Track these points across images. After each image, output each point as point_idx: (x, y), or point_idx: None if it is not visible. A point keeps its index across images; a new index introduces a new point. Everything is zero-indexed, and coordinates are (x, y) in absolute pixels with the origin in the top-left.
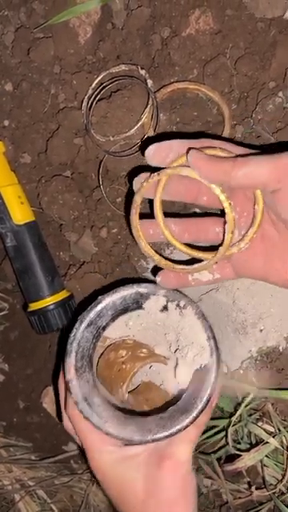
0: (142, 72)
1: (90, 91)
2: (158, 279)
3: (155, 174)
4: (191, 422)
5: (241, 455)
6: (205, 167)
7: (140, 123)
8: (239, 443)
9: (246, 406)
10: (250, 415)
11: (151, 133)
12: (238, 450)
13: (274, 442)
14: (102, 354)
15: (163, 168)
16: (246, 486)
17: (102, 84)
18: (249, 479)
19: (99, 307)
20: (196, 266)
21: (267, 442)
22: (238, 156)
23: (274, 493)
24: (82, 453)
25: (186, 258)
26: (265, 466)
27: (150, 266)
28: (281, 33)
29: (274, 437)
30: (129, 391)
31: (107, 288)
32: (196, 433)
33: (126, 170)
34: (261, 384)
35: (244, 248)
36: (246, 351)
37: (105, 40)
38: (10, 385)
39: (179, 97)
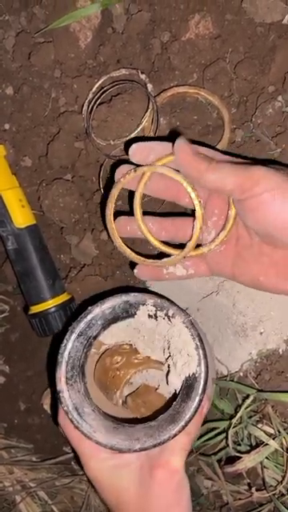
0: (142, 76)
1: (91, 95)
2: (135, 271)
3: (133, 168)
4: (179, 431)
5: (241, 457)
6: (184, 159)
7: (140, 127)
8: (239, 445)
9: (246, 408)
10: (250, 417)
11: (152, 135)
12: (239, 451)
13: (273, 444)
14: (98, 360)
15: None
16: (246, 487)
17: (102, 88)
18: (249, 480)
19: (89, 317)
20: (164, 260)
21: (267, 444)
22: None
23: (274, 494)
24: (77, 459)
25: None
26: (265, 467)
27: None
28: (280, 37)
29: (273, 439)
30: (129, 393)
31: (107, 292)
32: (187, 441)
33: None
34: (261, 386)
35: (214, 249)
36: (246, 354)
37: (105, 44)
38: (11, 386)
39: (179, 101)
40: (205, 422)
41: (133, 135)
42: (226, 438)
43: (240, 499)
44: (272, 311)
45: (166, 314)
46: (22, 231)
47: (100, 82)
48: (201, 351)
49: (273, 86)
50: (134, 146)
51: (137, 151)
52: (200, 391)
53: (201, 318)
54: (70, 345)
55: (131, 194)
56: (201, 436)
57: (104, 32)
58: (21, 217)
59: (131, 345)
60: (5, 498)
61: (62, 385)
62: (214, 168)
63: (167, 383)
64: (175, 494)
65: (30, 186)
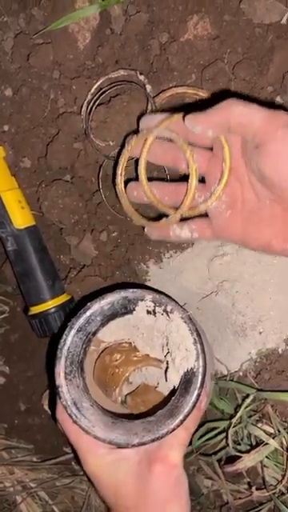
0: (141, 77)
1: (90, 96)
2: (145, 230)
3: (139, 133)
4: (177, 426)
5: (241, 456)
6: (202, 118)
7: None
8: (239, 444)
9: (246, 407)
10: (250, 416)
11: None
12: (239, 451)
13: (273, 443)
14: (98, 358)
15: None
16: (246, 486)
17: (101, 89)
18: (249, 480)
19: (88, 313)
20: (163, 220)
21: (267, 443)
22: None
23: (274, 493)
24: (75, 455)
25: None
26: (265, 466)
27: (150, 269)
28: (278, 38)
29: (273, 438)
30: (128, 393)
31: (106, 289)
32: (186, 436)
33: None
34: (260, 386)
35: (212, 205)
36: (245, 353)
37: (104, 45)
38: (11, 387)
39: (178, 101)
40: (205, 421)
41: None
42: (226, 437)
43: (240, 498)
44: (271, 311)
45: (165, 310)
46: (21, 232)
47: (99, 83)
48: (199, 346)
49: (271, 86)
50: (142, 119)
51: (144, 122)
52: (198, 385)
53: (200, 317)
54: (70, 340)
55: (137, 162)
56: (201, 436)
57: (102, 33)
58: (20, 218)
59: (130, 343)
60: (5, 498)
61: (61, 380)
62: (241, 102)
63: (166, 380)
64: (173, 489)
65: (30, 187)
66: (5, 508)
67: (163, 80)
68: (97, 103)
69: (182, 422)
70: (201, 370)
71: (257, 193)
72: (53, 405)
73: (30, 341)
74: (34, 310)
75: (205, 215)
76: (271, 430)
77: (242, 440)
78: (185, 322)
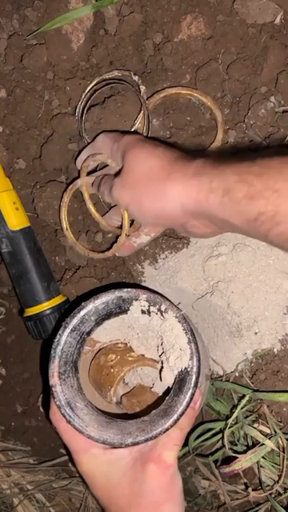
0: (135, 78)
1: (84, 97)
2: (116, 254)
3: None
4: (171, 426)
5: (237, 457)
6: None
7: (133, 129)
8: (236, 445)
9: (242, 408)
10: (247, 417)
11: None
12: (235, 451)
13: (269, 444)
14: (93, 358)
15: None
16: (243, 487)
17: (95, 90)
18: (246, 480)
19: (82, 313)
20: (114, 246)
21: (263, 444)
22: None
23: (270, 494)
24: (69, 456)
25: None
26: (261, 467)
27: (145, 269)
28: (272, 38)
29: (269, 438)
30: (124, 393)
31: (101, 288)
32: (180, 435)
33: None
34: (256, 386)
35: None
36: (241, 354)
37: (98, 46)
38: (8, 389)
39: (172, 102)
40: (201, 422)
41: None
42: (223, 438)
43: (237, 499)
44: (266, 311)
45: (159, 309)
46: (16, 234)
47: (93, 84)
48: (193, 345)
49: (265, 86)
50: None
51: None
52: (192, 385)
53: (195, 318)
54: (64, 340)
55: None
56: (197, 437)
57: (96, 34)
58: (15, 219)
59: (126, 343)
60: (2, 500)
61: (54, 379)
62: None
63: (161, 380)
64: (167, 490)
65: (24, 188)
66: (2, 510)
67: (157, 80)
68: (91, 104)
69: (175, 421)
70: (195, 369)
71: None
72: (47, 405)
73: (26, 342)
74: (30, 311)
75: None
76: (267, 431)
77: (238, 441)
78: (179, 322)
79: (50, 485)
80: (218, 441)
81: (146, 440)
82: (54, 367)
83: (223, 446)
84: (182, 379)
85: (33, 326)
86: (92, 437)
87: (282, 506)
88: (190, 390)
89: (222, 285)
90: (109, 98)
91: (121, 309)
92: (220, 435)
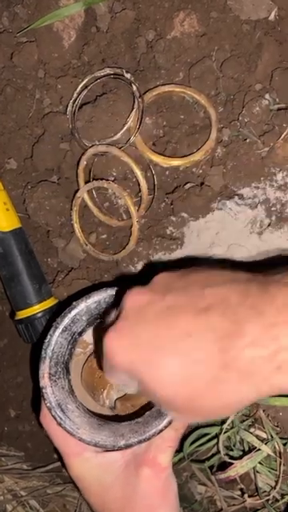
0: (127, 75)
1: (75, 95)
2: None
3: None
4: (165, 427)
5: (233, 463)
6: None
7: (126, 127)
8: (232, 450)
9: (238, 412)
10: (243, 421)
11: (138, 137)
12: (231, 457)
13: (266, 449)
14: (86, 361)
15: None
16: (239, 493)
17: (87, 87)
18: (242, 486)
19: (73, 313)
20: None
21: (259, 449)
22: None
23: (267, 500)
24: (60, 460)
25: None
26: (258, 472)
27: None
28: (266, 35)
29: (266, 443)
30: (118, 397)
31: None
32: (174, 437)
33: (112, 176)
34: None
35: None
36: None
37: (89, 43)
38: (1, 393)
39: (165, 100)
40: (196, 427)
41: (118, 135)
42: (218, 443)
43: (234, 505)
44: None
45: None
46: (6, 235)
47: (84, 82)
48: None
49: (260, 83)
50: None
51: None
52: None
53: None
54: (54, 340)
55: None
56: (193, 442)
57: (88, 31)
58: (5, 220)
59: None
60: None
61: (45, 381)
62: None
63: None
64: (162, 494)
65: (15, 188)
66: None
67: (150, 78)
68: (83, 102)
69: (169, 422)
70: None
71: None
72: (37, 408)
73: (19, 346)
74: (21, 314)
75: None
76: (264, 436)
77: (234, 446)
78: None
79: (44, 491)
80: (214, 446)
81: (140, 442)
82: (45, 368)
83: (218, 451)
84: None
85: (24, 329)
86: (83, 439)
87: None
88: None
89: None
90: (101, 96)
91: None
92: (216, 440)
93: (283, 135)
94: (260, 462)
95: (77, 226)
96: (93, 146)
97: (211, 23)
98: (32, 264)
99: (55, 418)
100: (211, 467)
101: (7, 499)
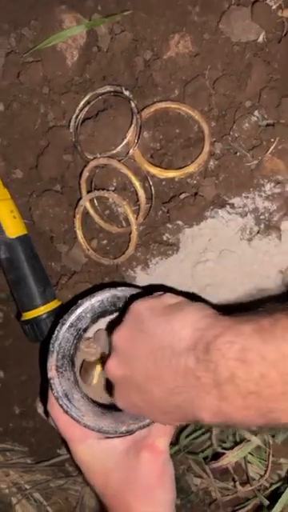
0: (127, 93)
1: (78, 111)
2: None
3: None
4: None
5: (225, 453)
6: None
7: (125, 141)
8: (225, 442)
9: None
10: None
11: (136, 150)
12: (224, 448)
13: (255, 440)
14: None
15: None
16: (233, 483)
17: (88, 103)
18: (235, 477)
19: (79, 310)
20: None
21: (249, 440)
22: None
23: (259, 490)
24: (65, 445)
25: None
26: (249, 462)
27: (138, 275)
28: (255, 55)
29: (256, 435)
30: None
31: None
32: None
33: (113, 186)
34: None
35: None
36: None
37: (91, 62)
38: (6, 391)
39: (162, 115)
40: None
41: (118, 149)
42: (211, 435)
43: (228, 495)
44: None
45: None
46: (13, 241)
47: (86, 98)
48: None
49: (249, 101)
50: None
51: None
52: None
53: None
54: (61, 335)
55: None
56: (188, 435)
57: (90, 51)
58: (12, 227)
59: None
60: (1, 499)
61: (52, 372)
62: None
63: None
64: (160, 475)
65: (22, 196)
66: (0, 509)
67: (148, 94)
68: (85, 117)
69: None
70: None
71: None
72: (45, 400)
73: (23, 346)
74: (27, 315)
75: None
76: (254, 428)
77: (227, 438)
78: None
79: (48, 484)
80: (209, 439)
81: (139, 428)
82: (52, 361)
83: (212, 443)
84: None
85: (30, 329)
86: (88, 425)
87: (269, 500)
88: None
89: (210, 289)
90: (102, 111)
91: (115, 307)
92: (210, 433)
93: (270, 149)
94: (251, 453)
95: (79, 233)
96: (94, 158)
97: (204, 44)
98: (37, 268)
99: (62, 407)
100: (205, 458)
101: (12, 492)
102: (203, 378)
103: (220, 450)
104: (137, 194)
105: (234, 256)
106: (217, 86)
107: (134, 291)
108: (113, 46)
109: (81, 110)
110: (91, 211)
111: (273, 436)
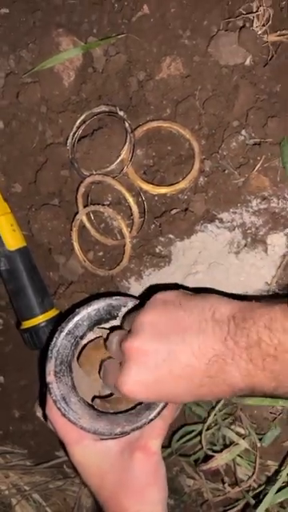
0: (121, 113)
1: (74, 129)
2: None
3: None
4: (155, 417)
5: (215, 456)
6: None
7: (119, 159)
8: (215, 445)
9: (220, 411)
10: (225, 419)
11: (130, 168)
12: (214, 451)
13: (243, 443)
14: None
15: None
16: (224, 484)
17: (85, 122)
18: (226, 478)
19: (76, 318)
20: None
21: (238, 444)
22: None
23: (247, 491)
24: (63, 447)
25: None
26: (238, 465)
27: (132, 285)
28: (242, 78)
29: (244, 438)
30: (100, 395)
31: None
32: (163, 426)
33: (108, 201)
34: None
35: None
36: None
37: (87, 82)
38: (6, 396)
39: (155, 133)
40: (183, 425)
41: (113, 166)
42: (201, 439)
43: (219, 496)
44: None
45: None
46: (13, 253)
47: (83, 117)
48: None
49: (237, 120)
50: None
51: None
52: None
53: None
54: (59, 342)
55: None
56: (180, 438)
57: (85, 71)
58: (12, 240)
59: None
60: (1, 501)
61: (51, 377)
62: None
63: None
64: (153, 474)
65: (21, 210)
66: (0, 510)
67: (141, 113)
68: (81, 135)
69: (159, 412)
70: None
71: None
72: (43, 404)
73: (22, 352)
74: (26, 324)
75: None
76: (243, 432)
77: (217, 441)
78: None
79: (46, 485)
80: (199, 442)
81: (133, 429)
82: (51, 366)
83: (201, 446)
84: None
85: (29, 337)
86: (84, 427)
87: (257, 500)
88: None
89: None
90: (97, 130)
91: (110, 315)
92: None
93: (257, 167)
94: (240, 456)
95: (76, 245)
96: (90, 175)
97: (194, 67)
98: (36, 279)
99: (60, 410)
100: (197, 460)
101: (12, 493)
102: (240, 341)
103: (210, 452)
104: (130, 209)
105: (222, 268)
106: (206, 106)
107: (128, 300)
108: (108, 67)
109: (77, 128)
110: (87, 224)
111: (260, 439)
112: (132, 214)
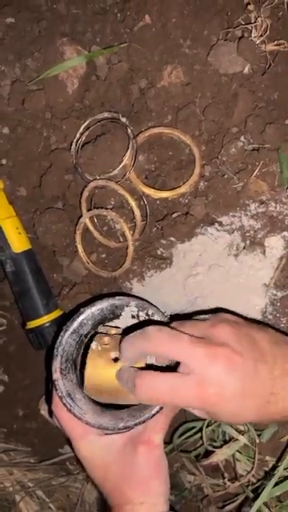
0: (123, 119)
1: (78, 135)
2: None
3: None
4: (157, 412)
5: (215, 451)
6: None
7: (122, 164)
8: (215, 441)
9: None
10: None
11: (132, 173)
12: (214, 447)
13: (242, 439)
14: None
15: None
16: (224, 480)
17: (88, 128)
18: (226, 473)
19: (81, 318)
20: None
21: (237, 440)
22: None
23: (247, 486)
24: (68, 442)
25: None
26: (237, 460)
27: (134, 286)
28: (241, 86)
29: (243, 434)
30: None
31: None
32: (165, 420)
33: (111, 204)
34: None
35: None
36: None
37: (90, 90)
38: (10, 394)
39: (156, 139)
40: (184, 422)
41: (116, 171)
42: (202, 435)
43: (219, 491)
44: None
45: (147, 314)
46: (18, 256)
47: (86, 123)
48: None
49: (236, 127)
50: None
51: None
52: None
53: None
54: (65, 341)
55: None
56: (181, 434)
57: (89, 79)
58: (18, 243)
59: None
60: (5, 497)
61: (57, 374)
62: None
63: None
64: (155, 467)
65: (26, 213)
66: (4, 507)
67: (143, 120)
68: (84, 141)
69: (160, 408)
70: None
71: None
72: (49, 401)
73: (26, 351)
74: (31, 324)
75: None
76: (242, 428)
77: (217, 437)
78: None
79: (50, 482)
80: (200, 438)
81: (136, 424)
82: (57, 364)
83: (202, 442)
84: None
85: (34, 337)
86: (89, 422)
87: (256, 494)
88: None
89: (200, 300)
90: (100, 136)
91: (114, 314)
92: (201, 433)
93: (255, 172)
94: (239, 451)
95: (80, 247)
96: (94, 180)
97: (194, 75)
98: (40, 280)
99: (65, 405)
100: (197, 456)
101: (16, 490)
102: None
103: (211, 448)
104: (133, 213)
105: (222, 270)
106: (206, 113)
107: (130, 300)
108: (110, 75)
109: (81, 134)
110: (91, 227)
111: (259, 435)
112: (134, 218)
